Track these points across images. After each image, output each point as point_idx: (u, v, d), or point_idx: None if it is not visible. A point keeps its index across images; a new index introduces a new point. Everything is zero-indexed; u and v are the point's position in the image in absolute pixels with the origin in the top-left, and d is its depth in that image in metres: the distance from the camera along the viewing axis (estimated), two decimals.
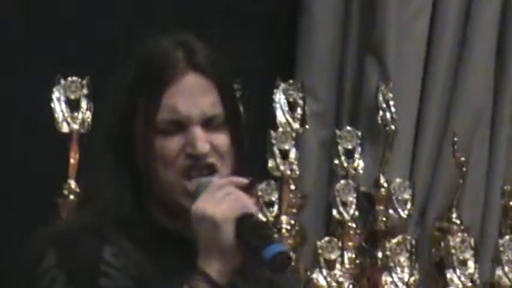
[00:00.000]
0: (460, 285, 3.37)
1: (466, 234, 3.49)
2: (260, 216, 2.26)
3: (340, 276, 3.36)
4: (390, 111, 3.54)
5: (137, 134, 1.83)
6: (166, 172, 1.79)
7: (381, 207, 3.45)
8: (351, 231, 3.35)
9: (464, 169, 3.68)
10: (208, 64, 1.82)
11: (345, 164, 3.40)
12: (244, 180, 1.78)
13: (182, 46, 1.83)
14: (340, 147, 3.38)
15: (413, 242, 3.38)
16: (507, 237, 3.61)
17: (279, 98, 3.33)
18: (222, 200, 1.70)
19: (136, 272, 1.76)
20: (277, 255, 1.66)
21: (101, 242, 1.77)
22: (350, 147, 3.40)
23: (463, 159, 3.62)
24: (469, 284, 3.37)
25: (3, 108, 3.56)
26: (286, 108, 3.33)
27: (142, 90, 1.81)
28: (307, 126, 3.39)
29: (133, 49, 1.95)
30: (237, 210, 1.70)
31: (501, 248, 3.51)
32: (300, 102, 3.38)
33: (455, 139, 3.66)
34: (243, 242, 1.69)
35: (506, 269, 3.46)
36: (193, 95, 1.81)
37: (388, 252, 3.33)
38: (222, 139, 1.78)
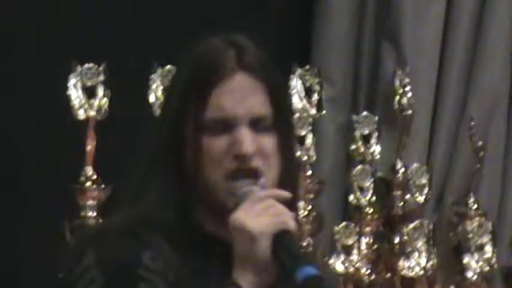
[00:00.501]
0: (478, 270, 3.38)
1: (483, 219, 3.48)
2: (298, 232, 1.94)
3: (357, 261, 3.39)
4: (407, 96, 3.51)
5: (186, 134, 1.81)
6: (213, 172, 1.78)
7: (398, 192, 3.44)
8: (368, 217, 3.35)
9: (481, 153, 3.67)
10: (258, 64, 1.80)
11: (362, 149, 3.39)
12: (286, 194, 1.75)
13: (233, 46, 1.81)
14: (357, 133, 3.38)
15: (431, 226, 3.38)
16: None
17: (296, 83, 3.29)
18: (261, 214, 1.68)
19: (175, 277, 1.75)
20: (309, 278, 1.63)
21: (141, 246, 1.76)
22: (367, 132, 3.39)
23: (480, 143, 3.61)
24: (487, 269, 3.37)
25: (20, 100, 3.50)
26: (302, 94, 3.29)
27: (193, 89, 1.80)
28: (323, 112, 3.37)
29: (186, 50, 1.88)
30: (276, 226, 1.67)
31: None
32: (317, 87, 3.34)
33: (472, 123, 3.64)
34: (276, 259, 1.66)
35: None
36: (242, 95, 1.80)
37: (405, 237, 3.33)
38: (268, 141, 1.76)
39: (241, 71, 1.76)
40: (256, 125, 1.74)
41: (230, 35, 1.83)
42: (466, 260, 3.43)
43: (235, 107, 1.76)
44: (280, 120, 1.75)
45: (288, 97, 2.23)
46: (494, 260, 3.44)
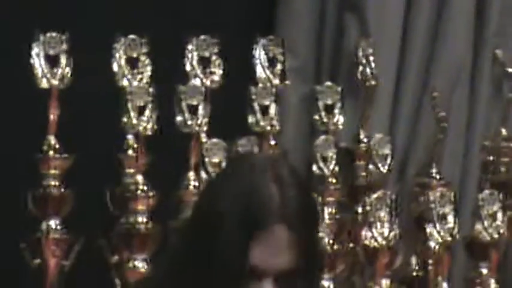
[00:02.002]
0: (440, 240, 3.33)
1: (445, 189, 3.42)
2: None
3: (320, 231, 3.46)
4: (370, 67, 3.49)
5: None
6: None
7: (361, 163, 3.43)
8: (331, 187, 3.29)
9: (444, 124, 3.74)
10: (298, 215, 1.72)
11: (325, 120, 3.34)
12: None
13: (278, 190, 1.72)
14: (320, 103, 3.33)
15: (394, 197, 3.28)
16: (486, 191, 3.69)
17: (259, 53, 3.22)
18: None
19: None
20: None
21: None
22: (330, 102, 3.33)
23: (442, 114, 3.64)
24: (449, 239, 3.31)
25: None
26: (266, 64, 3.21)
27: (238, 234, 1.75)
28: (287, 82, 3.32)
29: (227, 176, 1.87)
30: None
31: (480, 203, 3.49)
32: (280, 58, 3.28)
33: (435, 94, 3.73)
34: None
35: (486, 223, 3.42)
36: (276, 249, 1.73)
37: (368, 208, 3.26)
38: None
39: (281, 224, 1.71)
40: (282, 276, 1.70)
41: (274, 168, 1.75)
42: (428, 230, 3.33)
43: (266, 261, 1.72)
44: (308, 271, 1.72)
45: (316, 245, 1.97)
46: (456, 230, 3.35)
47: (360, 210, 3.34)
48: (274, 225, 1.70)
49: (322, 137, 3.33)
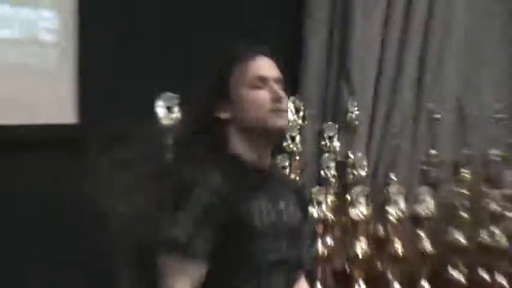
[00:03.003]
0: (395, 215, 4.10)
1: (398, 185, 4.28)
2: None
3: (325, 210, 4.07)
4: (354, 114, 4.36)
5: (233, 93, 2.32)
6: (260, 112, 2.26)
7: (349, 170, 4.24)
8: (331, 184, 4.10)
9: (398, 148, 4.54)
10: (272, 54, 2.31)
11: (328, 144, 4.16)
12: None
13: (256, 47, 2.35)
14: (325, 134, 4.16)
15: (368, 189, 4.14)
16: (424, 187, 4.32)
17: (289, 105, 3.75)
18: None
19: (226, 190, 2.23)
20: None
21: (207, 170, 2.28)
22: (331, 134, 4.17)
23: (397, 142, 4.52)
24: (400, 215, 4.12)
25: None
26: (293, 111, 4.03)
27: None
28: (306, 122, 4.13)
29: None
30: None
31: (420, 194, 4.25)
32: (302, 107, 4.10)
33: (394, 129, 4.56)
34: None
35: (422, 206, 4.16)
36: (269, 64, 2.29)
37: (353, 196, 4.08)
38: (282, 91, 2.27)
39: (264, 56, 2.30)
40: (279, 81, 2.28)
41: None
42: (388, 209, 4.13)
43: (269, 70, 2.28)
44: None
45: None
46: (404, 209, 4.20)
47: (348, 197, 4.13)
48: (261, 56, 2.31)
49: (326, 155, 4.14)
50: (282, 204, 2.40)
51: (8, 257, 3.88)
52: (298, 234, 2.46)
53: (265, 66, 2.33)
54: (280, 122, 2.27)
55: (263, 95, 2.27)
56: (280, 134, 2.43)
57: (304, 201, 2.60)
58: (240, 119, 2.31)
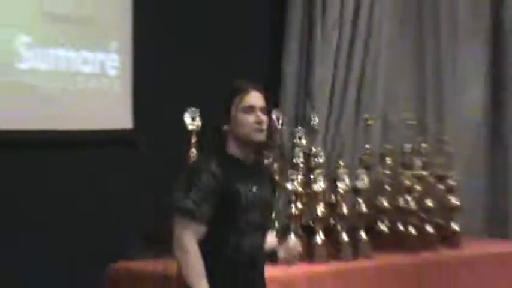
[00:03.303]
0: (342, 188, 4.71)
1: (345, 169, 4.83)
2: None
3: (296, 184, 4.50)
4: (315, 122, 4.85)
5: (232, 114, 2.65)
6: (247, 129, 2.62)
7: (312, 158, 4.74)
8: (300, 167, 4.57)
9: (343, 143, 5.15)
10: (261, 89, 2.69)
11: (298, 142, 4.74)
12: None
13: (250, 83, 2.70)
14: (296, 135, 4.73)
15: (324, 171, 4.70)
16: (359, 170, 4.83)
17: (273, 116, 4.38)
18: None
19: (222, 172, 2.63)
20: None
21: (210, 162, 2.67)
22: (300, 135, 4.72)
23: (342, 140, 5.19)
24: (346, 188, 4.71)
25: None
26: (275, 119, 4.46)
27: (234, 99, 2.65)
28: (284, 127, 4.69)
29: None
30: None
31: (359, 175, 4.79)
32: (281, 117, 4.55)
33: (342, 132, 5.24)
34: None
35: (360, 181, 4.77)
36: (257, 98, 2.64)
37: (315, 175, 4.63)
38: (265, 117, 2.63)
39: (255, 90, 2.66)
40: (263, 109, 2.63)
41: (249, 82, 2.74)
42: (338, 184, 4.75)
43: (256, 102, 2.63)
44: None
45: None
46: (348, 184, 4.77)
47: (311, 176, 4.61)
48: (253, 90, 2.65)
49: (297, 149, 4.61)
50: (259, 186, 2.78)
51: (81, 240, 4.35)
52: (269, 206, 2.88)
53: (254, 98, 2.72)
54: (259, 137, 2.71)
55: (250, 118, 2.69)
56: (260, 144, 2.80)
57: (273, 183, 3.09)
58: (235, 132, 2.72)
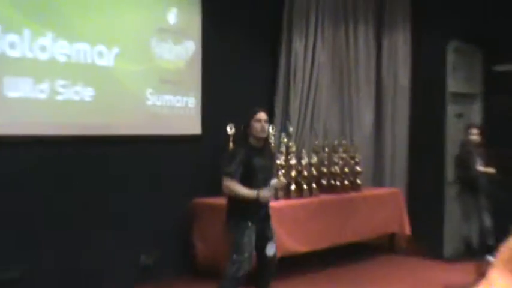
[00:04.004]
0: (305, 162, 5.70)
1: (305, 153, 5.83)
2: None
3: (282, 160, 5.37)
4: (290, 129, 5.84)
5: (251, 124, 3.52)
6: (255, 132, 3.37)
7: (290, 149, 5.65)
8: (284, 153, 5.56)
9: (303, 140, 6.03)
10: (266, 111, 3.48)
11: (285, 140, 5.64)
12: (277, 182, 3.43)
13: (261, 107, 3.53)
14: (281, 137, 5.77)
15: (295, 155, 5.71)
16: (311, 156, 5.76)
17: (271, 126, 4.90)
18: None
19: (246, 156, 3.43)
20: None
21: (239, 148, 3.57)
22: (284, 136, 5.66)
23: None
24: (305, 162, 5.72)
25: None
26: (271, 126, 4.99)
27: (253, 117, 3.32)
28: (274, 129, 5.57)
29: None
30: None
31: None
32: (272, 124, 5.31)
33: (304, 133, 6.17)
34: None
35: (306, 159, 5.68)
36: (262, 115, 3.45)
37: (290, 158, 5.65)
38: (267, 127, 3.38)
39: (262, 111, 3.67)
40: (266, 121, 3.54)
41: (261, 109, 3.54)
42: (301, 161, 5.60)
43: (262, 116, 3.62)
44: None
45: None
46: (307, 161, 5.75)
47: (289, 158, 5.62)
48: (261, 111, 3.69)
49: (282, 144, 5.54)
50: (264, 160, 3.68)
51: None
52: (270, 170, 3.81)
53: (260, 115, 3.66)
54: (263, 135, 3.50)
55: (258, 125, 3.60)
56: (264, 138, 3.39)
57: (274, 159, 4.22)
58: (252, 132, 3.58)
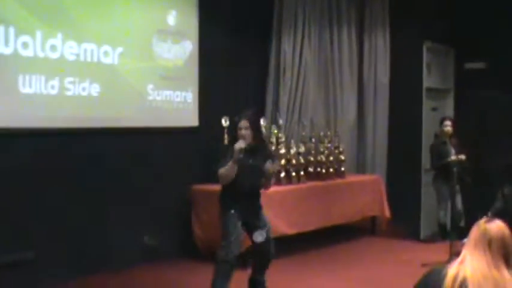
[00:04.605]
0: (293, 151, 5.64)
1: (294, 144, 5.86)
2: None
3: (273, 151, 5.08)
4: (280, 122, 5.85)
5: (236, 132, 3.50)
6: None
7: (280, 140, 5.69)
8: (274, 144, 5.55)
9: (292, 132, 6.05)
10: (250, 118, 3.51)
11: (276, 133, 5.60)
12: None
13: (244, 114, 3.49)
14: (272, 129, 5.77)
15: (284, 146, 5.75)
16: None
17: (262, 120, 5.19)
18: None
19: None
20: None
21: (230, 149, 3.42)
22: (275, 129, 5.64)
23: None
24: (294, 151, 5.70)
25: None
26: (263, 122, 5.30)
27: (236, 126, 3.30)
28: (265, 125, 5.44)
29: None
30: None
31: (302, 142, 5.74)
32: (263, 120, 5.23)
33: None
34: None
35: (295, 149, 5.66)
36: (245, 124, 3.40)
37: (280, 147, 5.65)
38: (249, 132, 3.39)
39: (244, 119, 3.64)
40: (247, 128, 3.50)
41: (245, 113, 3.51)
42: (290, 150, 5.60)
43: (242, 125, 3.56)
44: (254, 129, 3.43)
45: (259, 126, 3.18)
46: (295, 150, 5.78)
47: (279, 148, 5.61)
48: (242, 119, 3.63)
49: (274, 136, 5.53)
50: (255, 159, 3.69)
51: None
52: (259, 169, 3.76)
53: (241, 124, 3.66)
54: (244, 139, 3.40)
55: (240, 132, 3.64)
56: (253, 141, 3.28)
57: (267, 157, 3.84)
58: (237, 136, 3.61)
